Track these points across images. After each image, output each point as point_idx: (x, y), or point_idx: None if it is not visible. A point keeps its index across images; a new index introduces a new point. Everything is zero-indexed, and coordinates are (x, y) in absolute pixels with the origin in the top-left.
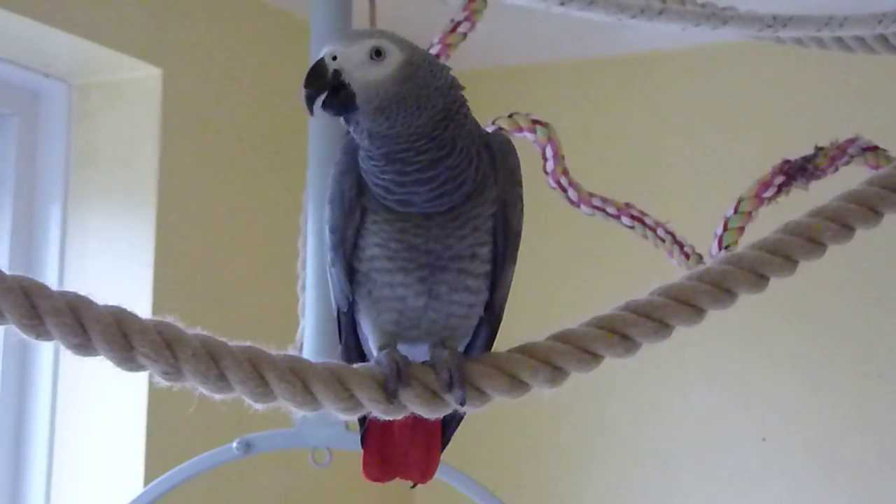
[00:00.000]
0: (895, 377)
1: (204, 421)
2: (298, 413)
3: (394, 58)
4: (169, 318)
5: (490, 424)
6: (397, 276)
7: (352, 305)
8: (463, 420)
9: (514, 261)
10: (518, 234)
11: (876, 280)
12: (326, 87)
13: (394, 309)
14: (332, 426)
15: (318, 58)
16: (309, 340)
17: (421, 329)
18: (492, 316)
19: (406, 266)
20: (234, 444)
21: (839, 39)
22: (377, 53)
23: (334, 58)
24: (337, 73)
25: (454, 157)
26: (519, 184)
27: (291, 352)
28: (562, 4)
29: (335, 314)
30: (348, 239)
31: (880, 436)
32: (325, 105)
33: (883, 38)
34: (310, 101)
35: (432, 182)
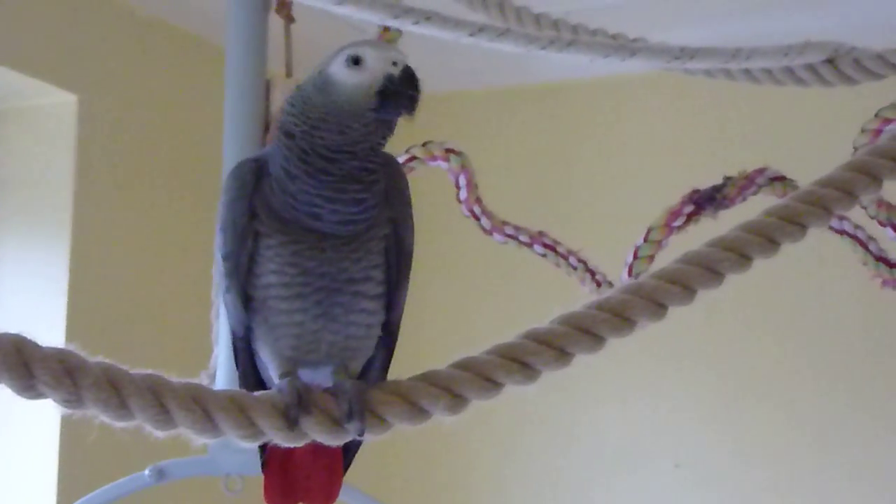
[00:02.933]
0: (805, 405)
1: (118, 447)
2: (209, 440)
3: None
4: (72, 346)
5: (402, 448)
6: (294, 303)
7: (248, 332)
8: (372, 443)
9: (407, 280)
10: (410, 254)
11: (786, 311)
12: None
13: (291, 334)
14: (244, 453)
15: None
16: (222, 368)
17: (321, 352)
18: (388, 335)
19: (302, 291)
20: (147, 472)
21: (747, 71)
22: (356, 61)
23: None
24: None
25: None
26: (409, 203)
27: (204, 379)
28: (471, 36)
29: (232, 341)
30: (242, 265)
31: (790, 463)
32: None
33: (789, 70)
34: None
35: (359, 203)
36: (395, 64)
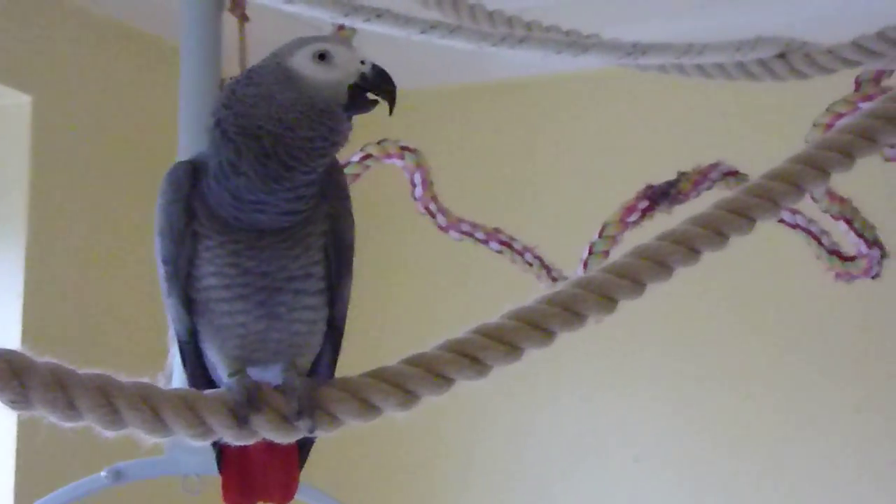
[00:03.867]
0: (763, 397)
1: (76, 449)
2: (161, 440)
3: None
4: (26, 349)
5: (361, 444)
6: (237, 304)
7: (194, 335)
8: (330, 440)
9: (350, 274)
10: (351, 248)
11: (745, 303)
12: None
13: (237, 335)
14: (202, 453)
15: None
16: (178, 369)
17: (268, 351)
18: (334, 330)
19: (243, 292)
20: (104, 473)
21: (699, 67)
22: (322, 57)
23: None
24: None
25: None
26: (347, 197)
27: (161, 380)
28: (423, 33)
29: (177, 344)
30: (182, 268)
31: (750, 457)
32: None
33: (741, 65)
34: None
35: (299, 199)
36: (363, 62)
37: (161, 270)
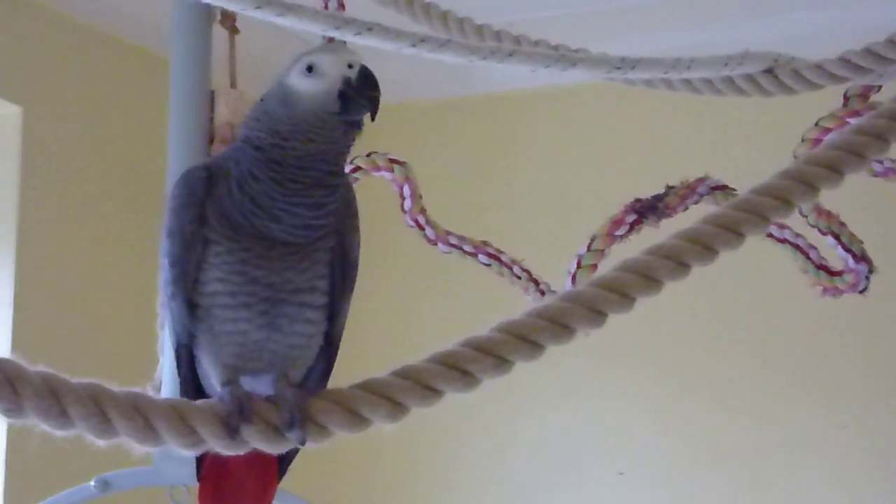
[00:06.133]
0: (747, 412)
1: (65, 459)
2: (152, 449)
3: None
4: (16, 357)
5: (341, 453)
6: (240, 311)
7: (191, 340)
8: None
9: (351, 291)
10: (355, 266)
11: (730, 318)
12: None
13: (235, 342)
14: (190, 463)
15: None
16: (167, 378)
17: (263, 361)
18: (330, 345)
19: (248, 301)
20: (92, 483)
21: (687, 81)
22: (310, 69)
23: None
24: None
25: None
26: (356, 215)
27: (150, 390)
28: (413, 46)
29: (175, 348)
30: (189, 272)
31: (732, 470)
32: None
33: (729, 80)
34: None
35: (321, 208)
36: (350, 66)
37: (167, 273)
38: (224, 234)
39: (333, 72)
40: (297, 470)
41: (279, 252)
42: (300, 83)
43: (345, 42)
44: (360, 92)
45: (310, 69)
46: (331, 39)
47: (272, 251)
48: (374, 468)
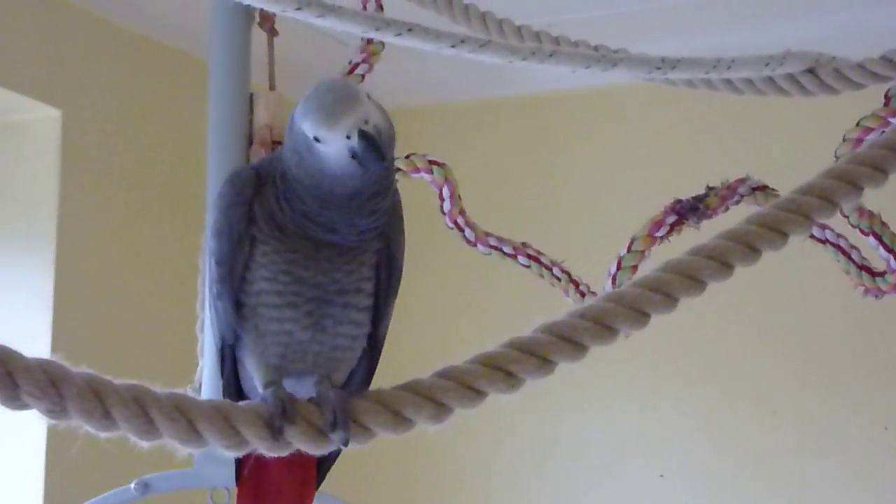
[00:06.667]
0: (790, 414)
1: (104, 461)
2: (194, 451)
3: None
4: (56, 358)
5: (382, 455)
6: (285, 312)
7: (235, 340)
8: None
9: (395, 294)
10: (400, 269)
11: (772, 319)
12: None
13: (280, 342)
14: (230, 465)
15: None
16: (207, 381)
17: (307, 362)
18: (373, 348)
19: (294, 300)
20: (133, 485)
21: (728, 81)
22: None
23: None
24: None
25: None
26: (401, 219)
27: (189, 392)
28: (453, 47)
29: (219, 349)
30: (236, 271)
31: (775, 472)
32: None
33: (770, 80)
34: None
35: (374, 214)
36: (348, 137)
37: (214, 271)
38: (271, 235)
39: (338, 144)
40: (336, 472)
41: (326, 253)
42: (313, 146)
43: (382, 45)
44: (368, 160)
45: (317, 140)
46: (370, 41)
47: (320, 252)
48: (415, 471)
